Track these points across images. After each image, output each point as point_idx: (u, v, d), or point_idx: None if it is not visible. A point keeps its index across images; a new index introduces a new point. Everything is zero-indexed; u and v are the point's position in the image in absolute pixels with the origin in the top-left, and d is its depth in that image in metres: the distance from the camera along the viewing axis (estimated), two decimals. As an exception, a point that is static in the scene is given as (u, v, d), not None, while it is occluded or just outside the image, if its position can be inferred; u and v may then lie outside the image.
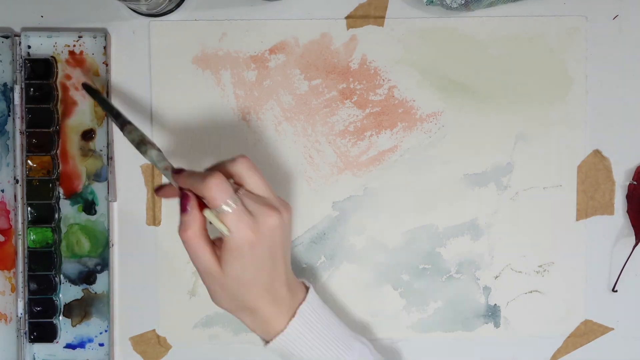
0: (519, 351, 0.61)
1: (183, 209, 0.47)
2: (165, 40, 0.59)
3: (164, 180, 0.58)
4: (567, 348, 0.61)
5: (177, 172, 0.48)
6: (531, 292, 0.61)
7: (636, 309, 0.61)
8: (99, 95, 0.56)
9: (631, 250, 0.61)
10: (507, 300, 0.61)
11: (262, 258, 0.47)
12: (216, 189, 0.45)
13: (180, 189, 0.48)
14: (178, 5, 0.59)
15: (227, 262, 0.47)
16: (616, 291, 0.61)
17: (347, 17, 0.59)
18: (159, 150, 0.50)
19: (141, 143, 0.50)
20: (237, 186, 0.48)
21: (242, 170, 0.48)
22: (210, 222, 0.46)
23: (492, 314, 0.61)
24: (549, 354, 0.61)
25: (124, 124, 0.51)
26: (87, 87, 0.56)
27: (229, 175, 0.48)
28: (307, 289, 0.53)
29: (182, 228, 0.47)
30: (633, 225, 0.60)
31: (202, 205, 0.47)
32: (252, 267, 0.47)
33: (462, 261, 0.61)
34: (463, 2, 0.57)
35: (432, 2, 0.57)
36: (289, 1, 0.59)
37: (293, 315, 0.50)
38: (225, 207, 0.45)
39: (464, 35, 0.60)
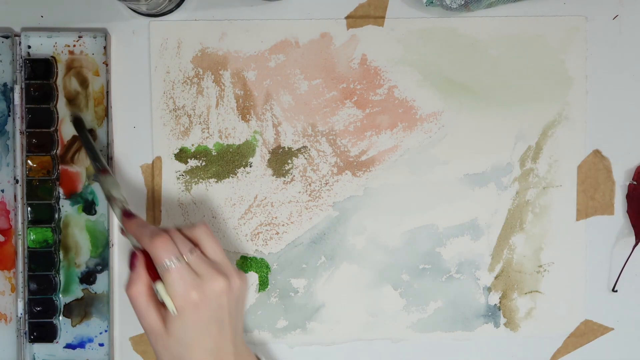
0: (519, 351, 0.61)
1: (131, 267, 0.48)
2: (165, 40, 0.59)
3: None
4: (567, 348, 0.61)
5: (127, 215, 0.49)
6: (531, 292, 0.61)
7: (636, 309, 0.61)
8: (85, 133, 0.57)
9: (631, 250, 0.61)
10: (507, 300, 0.61)
11: (206, 322, 0.47)
12: (161, 247, 0.47)
13: (133, 244, 0.49)
14: (178, 5, 0.59)
15: (171, 323, 0.47)
16: (616, 291, 0.61)
17: (347, 17, 0.59)
18: (121, 206, 0.51)
19: (109, 198, 0.52)
20: (193, 248, 0.48)
21: (201, 235, 0.49)
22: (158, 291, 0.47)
23: (492, 314, 0.61)
24: (549, 354, 0.61)
25: (99, 170, 0.53)
26: (76, 121, 0.57)
27: (189, 239, 0.49)
28: None
29: (128, 285, 0.48)
30: (633, 225, 0.60)
31: (152, 266, 0.48)
32: (196, 329, 0.47)
33: (462, 261, 0.61)
34: (463, 2, 0.57)
35: (432, 3, 0.57)
36: (289, 1, 0.59)
37: None
38: (168, 263, 0.46)
39: (464, 35, 0.60)
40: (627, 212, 0.61)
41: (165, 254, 0.47)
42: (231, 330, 0.49)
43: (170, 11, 0.59)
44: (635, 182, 0.60)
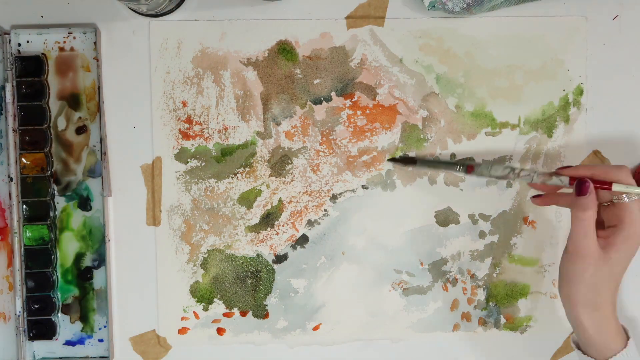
0: (519, 351, 0.61)
1: (583, 192, 0.51)
2: (165, 40, 0.59)
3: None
4: (567, 348, 0.61)
5: (563, 168, 0.53)
6: (531, 292, 0.61)
7: (636, 309, 0.61)
8: (423, 160, 0.60)
9: None
10: (507, 300, 0.61)
11: (631, 260, 0.51)
12: (628, 174, 0.51)
13: (576, 178, 0.52)
14: (178, 5, 0.59)
15: (617, 248, 0.50)
16: None
17: (347, 17, 0.59)
18: (515, 168, 0.55)
19: (508, 171, 0.55)
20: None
21: (626, 179, 0.52)
22: (612, 200, 0.51)
23: (492, 314, 0.61)
24: (549, 354, 0.61)
25: (469, 168, 0.56)
26: (397, 160, 0.60)
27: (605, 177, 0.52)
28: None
29: (581, 209, 0.50)
30: None
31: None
32: (629, 262, 0.51)
33: (462, 261, 0.61)
34: (465, 5, 0.57)
35: (435, 6, 0.57)
36: (289, 1, 0.59)
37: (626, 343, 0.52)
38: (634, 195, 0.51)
39: (464, 35, 0.60)
40: None
41: (631, 181, 0.51)
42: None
43: (170, 11, 0.59)
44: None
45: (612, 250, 0.50)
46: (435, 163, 0.59)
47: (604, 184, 0.51)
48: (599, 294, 0.51)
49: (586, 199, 0.51)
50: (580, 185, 0.51)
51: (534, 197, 0.57)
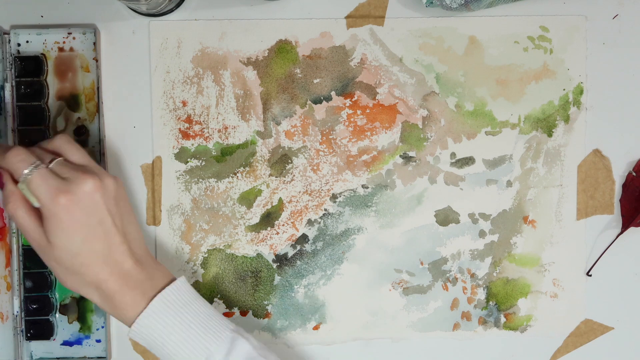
0: (519, 351, 0.61)
1: (0, 185, 0.48)
2: (165, 40, 0.59)
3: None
4: (567, 348, 0.61)
5: None
6: (531, 291, 0.61)
7: (637, 309, 0.61)
8: None
9: (614, 238, 0.60)
10: (507, 300, 0.61)
11: (86, 225, 0.46)
12: (15, 159, 0.46)
13: None
14: (178, 5, 0.59)
15: (50, 232, 0.46)
16: (590, 275, 0.60)
17: (347, 17, 0.59)
18: None
19: None
20: (55, 157, 0.48)
21: (62, 144, 0.49)
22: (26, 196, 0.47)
23: (492, 313, 0.61)
24: (549, 353, 0.61)
25: None
26: None
27: (50, 152, 0.48)
28: (173, 278, 0.51)
29: (4, 203, 0.47)
30: (622, 215, 0.60)
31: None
32: (76, 233, 0.46)
33: (462, 261, 0.61)
34: (463, 2, 0.57)
35: (432, 3, 0.57)
36: (289, 1, 0.59)
37: (152, 298, 0.48)
38: (27, 172, 0.46)
39: (464, 35, 0.60)
40: (620, 200, 0.60)
41: (22, 164, 0.46)
42: (120, 235, 0.48)
43: (170, 11, 0.59)
44: (635, 173, 0.60)
45: (49, 235, 0.47)
46: None
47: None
48: (82, 273, 0.47)
49: (5, 191, 0.47)
50: None
51: None
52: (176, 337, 0.48)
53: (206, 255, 0.60)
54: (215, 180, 0.60)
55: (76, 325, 0.60)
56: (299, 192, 0.60)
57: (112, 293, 0.48)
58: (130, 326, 0.49)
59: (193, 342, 0.48)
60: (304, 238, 0.60)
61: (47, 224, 0.47)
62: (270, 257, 0.60)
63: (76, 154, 0.49)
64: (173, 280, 0.51)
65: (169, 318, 0.48)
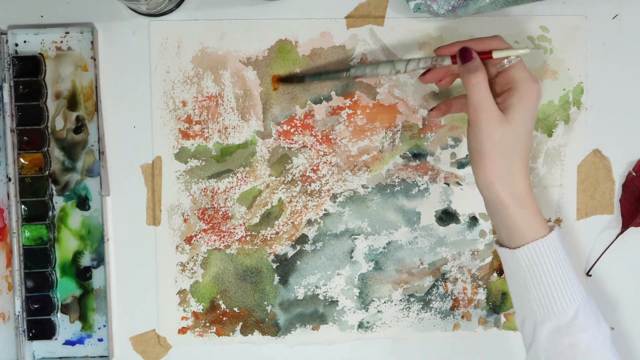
0: (519, 351, 0.61)
1: (468, 58, 0.51)
2: (165, 40, 0.59)
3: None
4: (567, 348, 0.61)
5: (439, 48, 0.54)
6: (531, 291, 0.61)
7: (636, 309, 0.61)
8: (300, 76, 0.59)
9: (615, 237, 0.61)
10: (508, 300, 0.61)
11: (533, 120, 0.50)
12: (502, 40, 0.52)
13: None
14: (178, 5, 0.59)
15: (515, 109, 0.49)
16: (590, 275, 0.61)
17: (347, 17, 0.59)
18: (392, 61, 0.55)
19: (391, 68, 0.54)
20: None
21: (503, 45, 0.52)
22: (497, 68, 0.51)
23: (492, 314, 0.61)
24: (549, 353, 0.61)
25: (348, 69, 0.56)
26: (286, 79, 0.59)
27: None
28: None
29: (472, 72, 0.50)
30: (622, 214, 0.60)
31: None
32: (531, 122, 0.50)
33: (462, 261, 0.61)
34: (450, 8, 0.57)
35: (420, 9, 0.57)
36: (289, 1, 0.59)
37: (550, 229, 0.50)
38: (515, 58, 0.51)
39: (464, 35, 0.60)
40: (620, 200, 0.60)
41: (508, 45, 0.51)
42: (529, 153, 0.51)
43: (170, 11, 0.59)
44: (635, 173, 0.60)
45: (512, 112, 0.49)
46: (322, 75, 0.58)
47: (484, 54, 0.51)
48: (512, 161, 0.49)
49: (472, 63, 0.50)
50: (463, 53, 0.51)
51: (431, 110, 0.57)
52: (560, 270, 0.49)
53: (206, 255, 0.60)
54: (215, 180, 0.60)
55: (78, 325, 0.60)
56: (299, 192, 0.60)
57: (523, 200, 0.50)
58: (515, 245, 0.50)
59: (571, 284, 0.49)
60: (304, 238, 0.60)
61: (516, 100, 0.49)
62: (270, 257, 0.60)
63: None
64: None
65: (558, 253, 0.50)
